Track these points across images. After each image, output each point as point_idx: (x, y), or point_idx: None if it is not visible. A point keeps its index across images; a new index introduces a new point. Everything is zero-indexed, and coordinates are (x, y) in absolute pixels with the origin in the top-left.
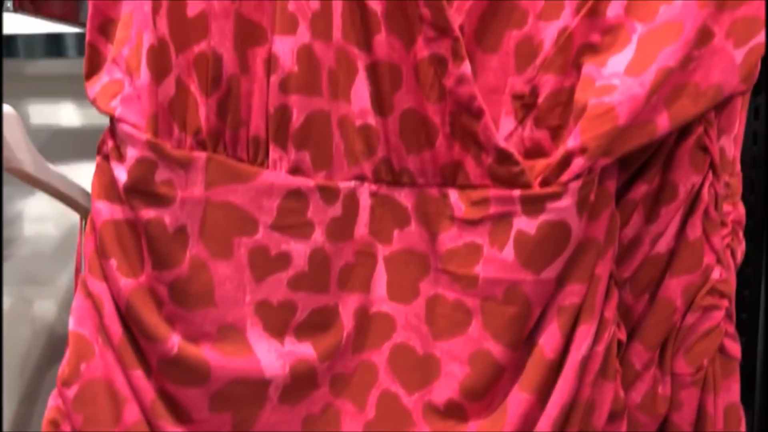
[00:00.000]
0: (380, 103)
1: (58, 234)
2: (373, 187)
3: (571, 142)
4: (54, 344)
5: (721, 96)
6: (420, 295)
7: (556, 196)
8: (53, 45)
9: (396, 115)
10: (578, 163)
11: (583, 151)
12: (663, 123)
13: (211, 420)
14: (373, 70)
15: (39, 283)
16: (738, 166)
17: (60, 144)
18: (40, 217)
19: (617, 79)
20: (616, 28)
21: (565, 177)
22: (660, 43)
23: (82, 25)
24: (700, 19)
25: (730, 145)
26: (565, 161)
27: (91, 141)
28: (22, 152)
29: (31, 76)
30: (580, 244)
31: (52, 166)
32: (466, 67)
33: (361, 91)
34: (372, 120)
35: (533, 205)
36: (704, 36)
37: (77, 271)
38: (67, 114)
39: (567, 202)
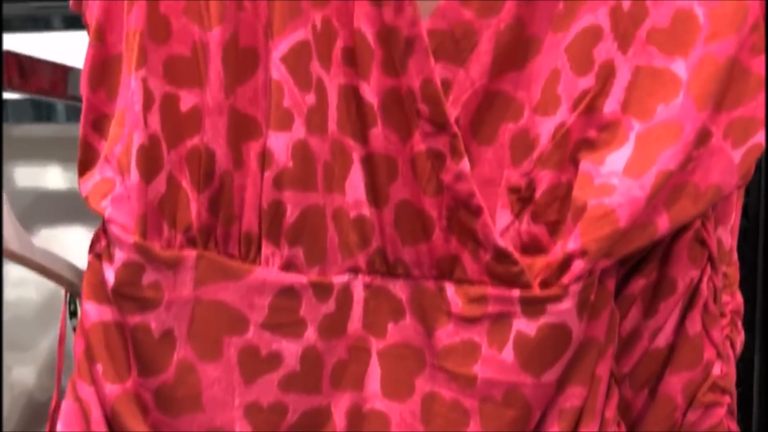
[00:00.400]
0: (375, 195)
1: (39, 299)
2: (367, 279)
3: (571, 244)
4: (33, 410)
5: (720, 196)
6: (415, 392)
7: (556, 299)
8: (42, 110)
9: (391, 206)
10: (579, 266)
11: (583, 253)
12: (663, 224)
13: None
14: (368, 162)
15: (19, 348)
16: (735, 255)
17: (46, 207)
18: (21, 281)
19: (616, 178)
20: (614, 124)
21: (565, 279)
22: (659, 143)
23: (71, 97)
24: (699, 122)
25: (727, 235)
26: (566, 263)
27: (77, 205)
28: (6, 229)
29: (18, 138)
30: (580, 345)
31: (37, 236)
32: (465, 164)
33: (356, 182)
34: (367, 211)
35: (533, 306)
36: (703, 137)
37: (61, 342)
38: (53, 177)
39: (568, 304)
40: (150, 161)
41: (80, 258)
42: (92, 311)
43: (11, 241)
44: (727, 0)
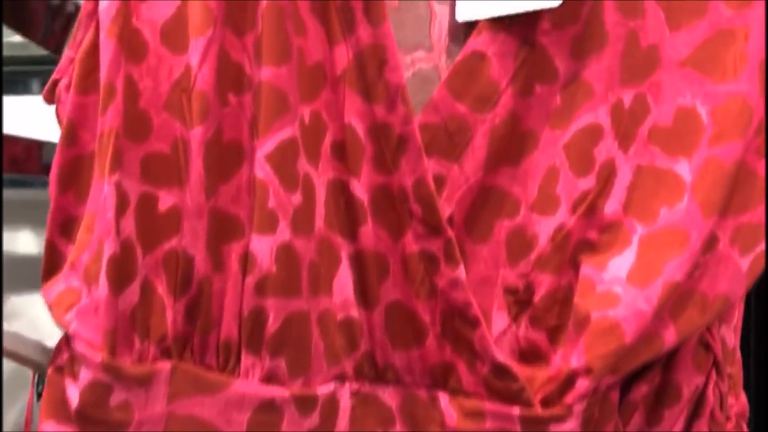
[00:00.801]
0: (364, 295)
1: (8, 368)
2: (355, 386)
3: (574, 360)
4: None
5: (728, 306)
6: None
7: (559, 419)
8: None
9: (381, 307)
10: (583, 384)
11: (588, 371)
12: (670, 337)
13: None
14: (357, 260)
15: None
16: (738, 354)
17: (17, 272)
18: None
19: (620, 287)
20: (615, 226)
21: (569, 399)
22: (665, 251)
23: (44, 169)
24: (706, 229)
25: (731, 334)
26: (569, 381)
27: None
28: None
29: None
30: None
31: (6, 303)
32: (461, 271)
33: (344, 281)
34: (355, 312)
35: (535, 426)
36: (710, 243)
37: (27, 425)
38: (24, 242)
39: (571, 425)
40: (121, 271)
41: (51, 328)
42: None
43: None
44: (731, 100)
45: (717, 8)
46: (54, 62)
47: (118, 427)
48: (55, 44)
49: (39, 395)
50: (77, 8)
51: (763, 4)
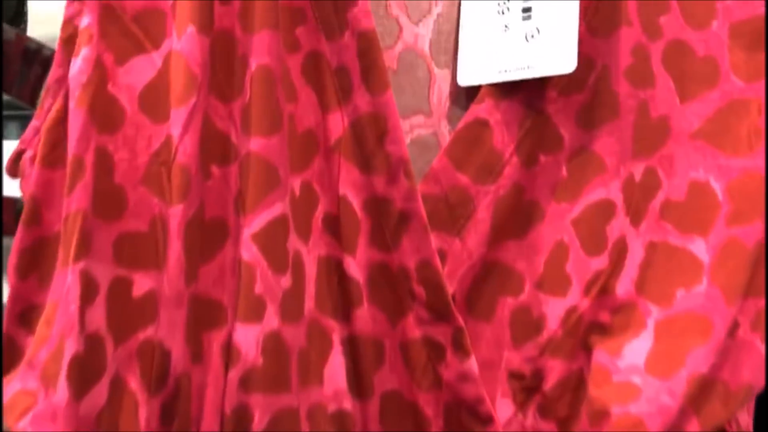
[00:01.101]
0: (359, 384)
1: None
2: None
3: None
4: None
5: (752, 396)
6: None
7: None
8: None
9: (377, 397)
10: None
11: None
12: (692, 430)
13: None
14: (351, 345)
15: None
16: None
17: None
18: None
19: (639, 377)
20: (628, 307)
21: None
22: (686, 339)
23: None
24: (730, 317)
25: (744, 416)
26: None
27: None
28: None
29: None
30: None
31: None
32: (472, 363)
33: (336, 369)
34: (348, 404)
35: None
36: (734, 329)
37: None
38: None
39: None
40: (86, 372)
41: None
42: None
43: None
44: (747, 176)
45: (728, 78)
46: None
47: None
48: (30, 94)
49: None
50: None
51: None
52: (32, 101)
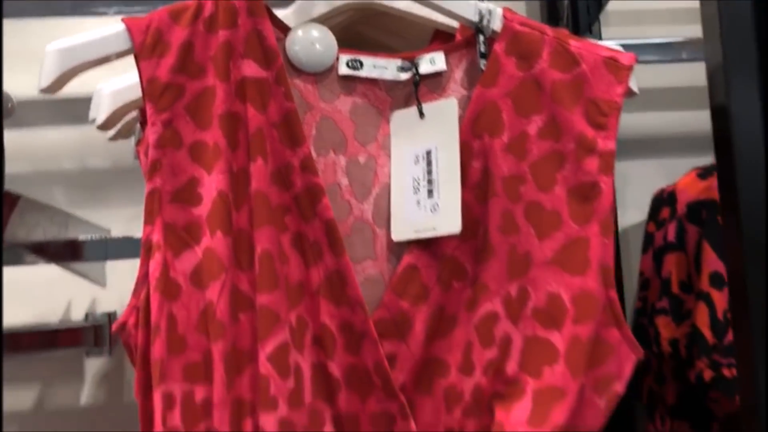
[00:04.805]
0: None
1: None
2: None
3: None
4: None
5: None
6: None
7: None
8: None
9: None
10: None
11: None
12: None
13: None
14: (337, 419)
15: None
16: None
17: None
18: None
19: (522, 427)
20: (514, 381)
21: None
22: (550, 403)
23: None
24: (577, 386)
25: None
26: None
27: None
28: None
29: None
30: None
31: None
32: (412, 425)
33: None
34: None
35: None
36: (580, 393)
37: None
38: None
39: None
40: None
41: None
42: None
43: None
44: (583, 291)
45: (568, 223)
46: None
47: None
48: None
49: None
50: None
51: (596, 223)
52: None
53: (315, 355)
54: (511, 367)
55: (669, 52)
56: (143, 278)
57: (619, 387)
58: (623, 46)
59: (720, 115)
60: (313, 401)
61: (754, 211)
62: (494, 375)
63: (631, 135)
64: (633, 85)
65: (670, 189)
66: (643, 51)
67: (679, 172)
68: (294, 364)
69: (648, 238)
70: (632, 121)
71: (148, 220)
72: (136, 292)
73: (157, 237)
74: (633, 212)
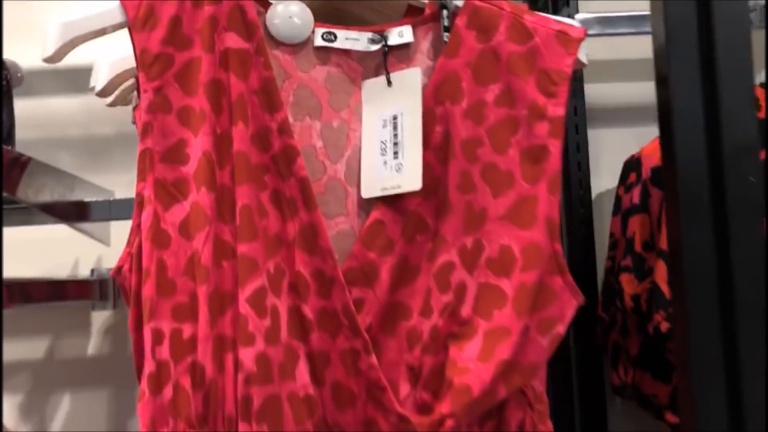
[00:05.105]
0: (316, 378)
1: None
2: None
3: (444, 408)
4: None
5: (537, 371)
6: None
7: None
8: None
9: (328, 386)
10: (450, 423)
11: (452, 415)
12: (502, 392)
13: None
14: (310, 357)
15: None
16: (544, 396)
17: None
18: None
19: (472, 363)
20: (468, 323)
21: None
22: (497, 340)
23: None
24: (521, 325)
25: (539, 384)
26: (442, 421)
27: None
28: None
29: None
30: None
31: None
32: (374, 359)
33: (302, 371)
34: (311, 390)
35: None
36: (525, 333)
37: None
38: None
39: None
40: (157, 381)
41: None
42: None
43: None
44: (531, 243)
45: (520, 183)
46: None
47: None
48: None
49: None
50: None
51: (544, 182)
52: None
53: (291, 299)
54: (466, 310)
55: (642, 24)
56: (136, 228)
57: (561, 328)
58: (600, 18)
59: (662, 85)
60: (288, 339)
61: (692, 173)
62: (450, 317)
63: (606, 104)
64: (582, 56)
65: (638, 155)
66: (618, 23)
67: (651, 139)
68: (271, 306)
69: (617, 202)
70: (608, 91)
71: (141, 177)
72: (130, 240)
73: (148, 192)
74: (607, 178)
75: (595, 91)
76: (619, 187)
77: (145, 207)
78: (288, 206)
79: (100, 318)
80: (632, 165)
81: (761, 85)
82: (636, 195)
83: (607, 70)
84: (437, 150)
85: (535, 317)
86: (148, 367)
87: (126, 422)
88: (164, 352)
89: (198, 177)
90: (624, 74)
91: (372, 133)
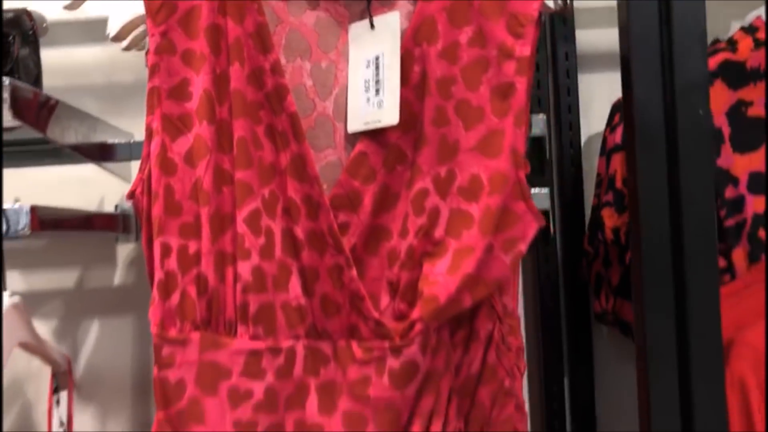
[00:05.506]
0: (307, 290)
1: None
2: (305, 342)
3: (414, 314)
4: None
5: (499, 284)
6: (338, 410)
7: (408, 345)
8: None
9: (317, 297)
10: (419, 327)
11: (421, 320)
12: (467, 301)
13: None
14: (301, 272)
15: None
16: (516, 312)
17: None
18: None
19: (441, 277)
20: (440, 243)
21: (411, 335)
22: (463, 256)
23: None
24: (484, 243)
25: (510, 300)
26: (412, 326)
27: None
28: (23, 333)
29: None
30: (428, 371)
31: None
32: (354, 272)
33: (294, 284)
34: (303, 301)
35: (396, 351)
36: (489, 250)
37: (49, 412)
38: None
39: (414, 348)
40: (167, 289)
41: None
42: None
43: (29, 339)
44: (497, 171)
45: (490, 117)
46: None
47: (168, 365)
48: None
49: (55, 390)
50: None
51: (511, 116)
52: None
53: (284, 222)
54: (439, 232)
55: None
56: (146, 157)
57: (523, 247)
58: None
59: (623, 34)
60: (282, 257)
61: (648, 107)
62: (424, 238)
63: (597, 50)
64: (549, 2)
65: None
66: None
67: None
68: (265, 227)
69: (603, 142)
70: (599, 37)
71: (150, 111)
72: (141, 167)
73: (156, 124)
74: (597, 122)
75: (586, 37)
76: (606, 128)
77: (154, 138)
78: (280, 139)
79: (124, 251)
80: (618, 107)
81: (748, 27)
82: (618, 135)
83: (599, 16)
84: (415, 88)
85: (499, 237)
86: (158, 275)
87: (148, 346)
88: (172, 263)
89: (200, 112)
90: (615, 20)
91: (357, 72)
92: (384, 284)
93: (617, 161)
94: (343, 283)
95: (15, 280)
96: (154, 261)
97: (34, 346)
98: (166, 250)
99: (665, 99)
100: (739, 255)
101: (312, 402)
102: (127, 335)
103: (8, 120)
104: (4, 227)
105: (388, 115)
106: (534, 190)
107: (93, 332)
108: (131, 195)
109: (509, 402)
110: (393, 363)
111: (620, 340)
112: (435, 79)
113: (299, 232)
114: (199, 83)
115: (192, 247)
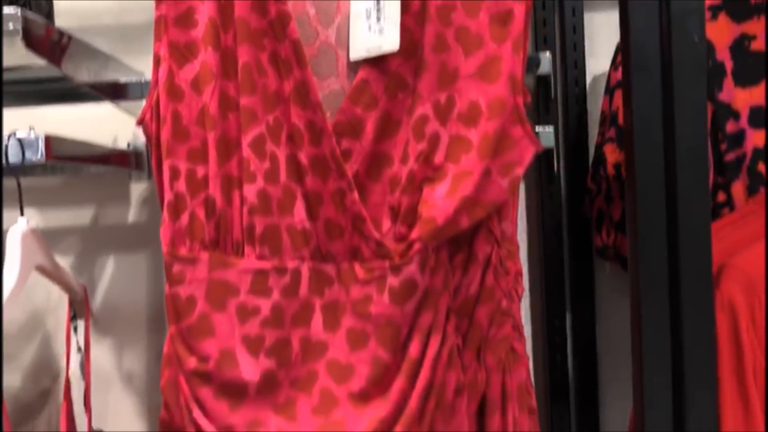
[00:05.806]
0: (311, 214)
1: (23, 318)
2: (310, 264)
3: (413, 234)
4: (18, 410)
5: (496, 206)
6: (341, 327)
7: (407, 264)
8: None
9: (321, 221)
10: (417, 246)
11: (419, 240)
12: (464, 223)
13: (216, 407)
14: (306, 196)
15: (6, 359)
16: (516, 237)
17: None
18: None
19: (440, 201)
20: (441, 168)
21: (411, 254)
22: (462, 180)
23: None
24: (481, 166)
25: (508, 225)
26: (411, 245)
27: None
28: (41, 257)
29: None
30: (426, 289)
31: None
32: (356, 195)
33: (299, 209)
34: (308, 224)
35: (396, 270)
36: (486, 174)
37: (67, 340)
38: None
39: (413, 267)
40: (176, 209)
41: None
42: None
43: (46, 263)
44: (495, 97)
45: (489, 43)
46: None
47: (179, 281)
48: None
49: (72, 317)
50: None
51: (509, 43)
52: None
53: (289, 148)
54: (438, 157)
55: None
56: (155, 84)
57: (520, 170)
58: None
59: None
60: (287, 181)
61: (645, 37)
62: (424, 163)
63: None
64: None
65: None
66: None
67: None
68: (270, 152)
69: (608, 81)
70: None
71: (157, 38)
72: (150, 94)
73: (163, 52)
74: (603, 62)
75: None
76: (610, 67)
77: (161, 65)
78: (284, 66)
79: (137, 190)
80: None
81: None
82: (621, 72)
83: None
84: (416, 15)
85: (497, 161)
86: (167, 197)
87: (162, 281)
88: (181, 185)
89: (205, 39)
90: None
91: (358, 0)
92: (385, 209)
93: (619, 98)
94: (345, 207)
95: (32, 216)
96: (163, 183)
97: (51, 272)
98: (174, 173)
99: (660, 25)
100: (738, 188)
101: (317, 320)
102: (141, 270)
103: (22, 54)
104: (19, 156)
105: (389, 41)
106: (539, 128)
107: (109, 268)
108: (140, 121)
109: (506, 322)
110: (393, 281)
111: (621, 274)
112: (435, 5)
113: (303, 157)
114: (205, 11)
115: (200, 171)
